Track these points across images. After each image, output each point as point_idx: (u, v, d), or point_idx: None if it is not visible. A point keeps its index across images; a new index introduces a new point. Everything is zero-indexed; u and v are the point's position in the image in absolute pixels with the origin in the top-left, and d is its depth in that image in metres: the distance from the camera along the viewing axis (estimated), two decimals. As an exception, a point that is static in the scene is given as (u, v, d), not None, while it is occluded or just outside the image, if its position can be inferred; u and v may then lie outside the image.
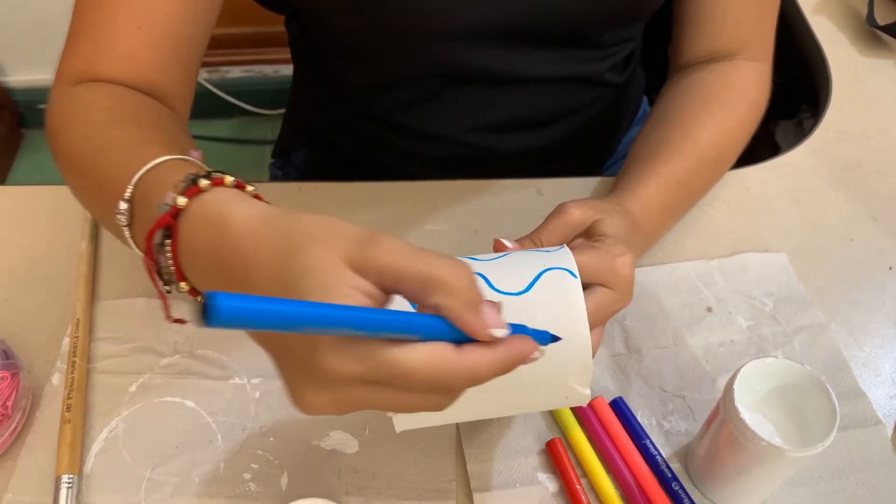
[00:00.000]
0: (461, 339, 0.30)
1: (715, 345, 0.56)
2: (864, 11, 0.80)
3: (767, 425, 0.44)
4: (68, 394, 0.51)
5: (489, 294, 0.38)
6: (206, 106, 1.82)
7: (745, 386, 0.43)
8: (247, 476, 0.49)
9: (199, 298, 0.38)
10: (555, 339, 0.36)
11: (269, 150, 1.98)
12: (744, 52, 0.61)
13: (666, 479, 0.48)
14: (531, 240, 0.45)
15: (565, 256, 0.40)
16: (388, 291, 0.30)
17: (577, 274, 0.39)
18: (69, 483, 0.47)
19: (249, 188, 0.37)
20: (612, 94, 0.70)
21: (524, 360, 0.31)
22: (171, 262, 0.36)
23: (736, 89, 0.59)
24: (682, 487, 0.48)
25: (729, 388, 0.43)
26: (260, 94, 1.79)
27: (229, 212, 0.33)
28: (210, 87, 1.80)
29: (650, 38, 0.73)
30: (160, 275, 0.38)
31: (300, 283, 0.29)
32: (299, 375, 0.30)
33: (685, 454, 0.50)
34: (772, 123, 0.82)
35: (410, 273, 0.29)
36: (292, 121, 0.81)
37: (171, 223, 0.35)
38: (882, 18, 0.79)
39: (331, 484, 0.48)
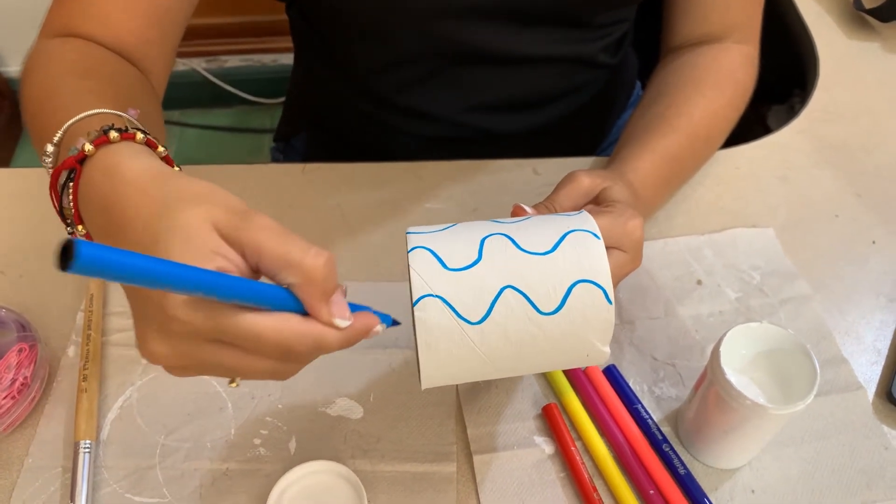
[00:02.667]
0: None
1: (704, 315, 0.58)
2: (851, -5, 0.82)
3: (752, 387, 0.46)
4: (84, 364, 0.53)
5: (515, 254, 0.40)
6: (204, 95, 1.84)
7: (732, 350, 0.46)
8: (257, 441, 0.51)
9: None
10: (395, 323, 0.39)
11: (268, 138, 2.00)
12: (732, 36, 0.63)
13: (657, 441, 0.51)
14: (545, 206, 0.47)
15: (587, 220, 0.42)
16: (249, 266, 0.32)
17: (600, 235, 0.40)
18: (87, 448, 0.50)
19: (160, 149, 0.38)
20: (605, 76, 0.71)
21: (366, 334, 0.34)
22: (71, 204, 0.37)
23: (725, 71, 0.61)
24: (672, 449, 0.50)
25: (716, 351, 0.45)
26: (258, 82, 1.80)
27: (126, 166, 0.35)
28: (209, 76, 1.81)
29: (643, 23, 0.75)
30: (63, 216, 0.39)
31: (166, 238, 0.31)
32: (150, 322, 0.32)
33: (675, 418, 0.53)
34: (764, 108, 0.85)
35: (273, 253, 0.31)
36: (293, 105, 0.83)
37: (74, 167, 0.37)
38: (868, 2, 0.81)
39: (337, 448, 0.51)
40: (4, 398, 0.50)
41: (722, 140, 0.63)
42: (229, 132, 1.86)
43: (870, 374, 0.55)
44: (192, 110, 1.87)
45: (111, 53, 0.50)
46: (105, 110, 0.40)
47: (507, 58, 0.64)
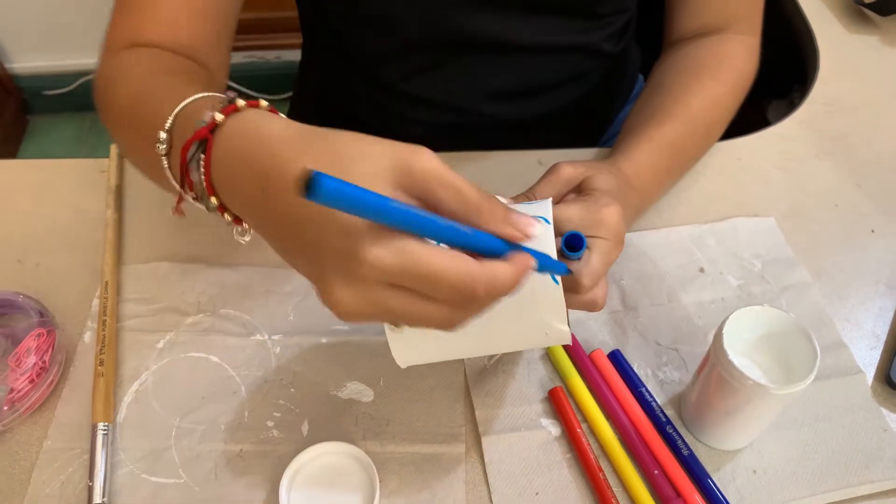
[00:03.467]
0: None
1: (707, 302, 0.59)
2: (851, -10, 0.84)
3: (754, 368, 0.48)
4: (100, 349, 0.54)
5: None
6: (209, 91, 1.85)
7: (734, 332, 0.47)
8: (270, 423, 0.52)
9: (225, 216, 0.39)
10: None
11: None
12: (733, 27, 0.64)
13: (661, 424, 0.52)
14: (525, 196, 0.49)
15: (543, 206, 0.43)
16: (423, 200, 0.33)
17: (549, 220, 0.42)
18: (105, 430, 0.51)
19: (281, 115, 0.39)
20: (608, 65, 0.73)
21: (527, 270, 0.34)
22: (203, 175, 0.37)
23: (726, 61, 0.62)
24: (675, 430, 0.52)
25: (719, 334, 0.46)
26: (262, 79, 1.82)
27: (267, 125, 0.35)
28: (213, 72, 1.82)
29: (647, 17, 0.76)
30: (193, 191, 0.39)
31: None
32: (334, 272, 0.32)
33: (678, 401, 0.54)
34: (764, 102, 0.86)
35: (453, 216, 0.32)
36: (302, 96, 0.84)
37: (206, 136, 0.37)
38: (868, -4, 0.83)
39: (349, 430, 0.52)
40: (24, 382, 0.51)
41: (723, 129, 0.64)
42: (233, 128, 1.87)
43: (869, 358, 0.56)
44: (196, 106, 1.88)
45: (181, 57, 0.52)
46: (211, 93, 0.41)
47: (511, 46, 0.65)
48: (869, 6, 0.82)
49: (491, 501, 0.49)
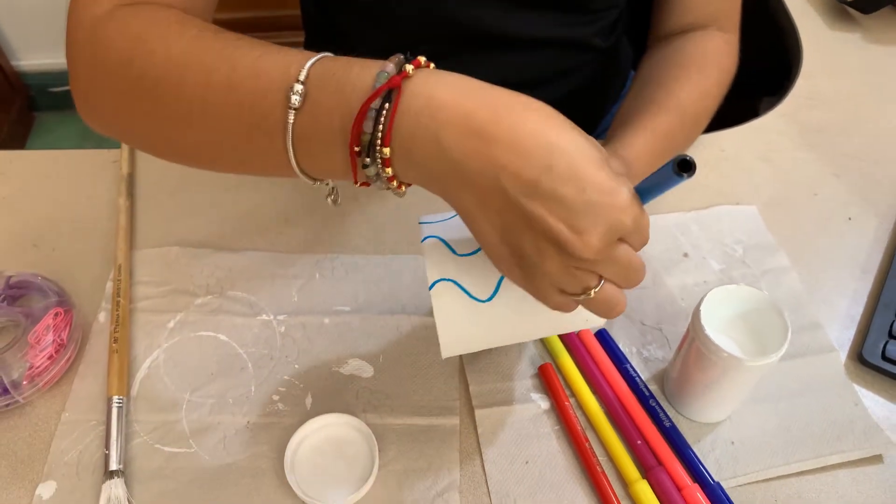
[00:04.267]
0: None
1: (690, 285, 0.62)
2: (834, -12, 0.87)
3: (730, 343, 0.51)
4: (115, 328, 0.58)
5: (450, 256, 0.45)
6: (211, 88, 1.88)
7: (711, 310, 0.50)
8: (275, 397, 0.55)
9: (388, 170, 0.37)
10: None
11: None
12: (714, 24, 0.67)
13: (644, 398, 0.55)
14: None
15: None
16: None
17: None
18: (119, 403, 0.54)
19: (431, 65, 0.39)
20: (600, 60, 0.75)
21: None
22: (381, 127, 0.36)
23: (710, 55, 0.65)
24: (658, 404, 0.55)
25: (697, 310, 0.49)
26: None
27: (463, 80, 0.37)
28: (216, 70, 1.85)
29: (638, 16, 0.79)
30: (359, 145, 0.37)
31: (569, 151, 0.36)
32: (594, 224, 0.36)
33: (661, 378, 0.57)
34: (756, 100, 0.89)
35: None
36: None
37: (398, 85, 0.36)
38: (851, -5, 0.86)
39: (350, 403, 0.55)
40: (42, 358, 0.55)
41: (709, 119, 0.66)
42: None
43: (843, 338, 0.59)
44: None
45: (176, 11, 0.44)
46: (326, 54, 0.39)
47: (505, 39, 0.68)
48: (851, 4, 0.85)
49: (483, 470, 0.52)
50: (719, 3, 0.66)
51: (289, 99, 0.37)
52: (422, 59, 0.38)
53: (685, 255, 0.64)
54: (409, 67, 0.36)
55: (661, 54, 0.67)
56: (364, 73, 0.37)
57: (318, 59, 0.38)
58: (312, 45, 0.83)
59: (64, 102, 1.89)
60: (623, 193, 0.36)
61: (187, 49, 0.41)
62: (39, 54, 1.82)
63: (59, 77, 1.84)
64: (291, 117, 0.37)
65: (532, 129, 0.36)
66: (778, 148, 0.73)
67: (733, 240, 0.65)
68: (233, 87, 0.39)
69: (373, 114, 0.36)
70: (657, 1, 0.69)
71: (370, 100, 0.36)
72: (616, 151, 0.57)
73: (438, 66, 0.71)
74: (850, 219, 0.67)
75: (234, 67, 0.39)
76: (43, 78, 1.85)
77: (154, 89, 0.41)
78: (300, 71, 0.37)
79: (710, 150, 0.72)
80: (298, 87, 0.37)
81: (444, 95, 0.36)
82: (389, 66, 0.36)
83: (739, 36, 0.68)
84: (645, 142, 0.59)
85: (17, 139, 1.83)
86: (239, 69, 0.39)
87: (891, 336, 0.58)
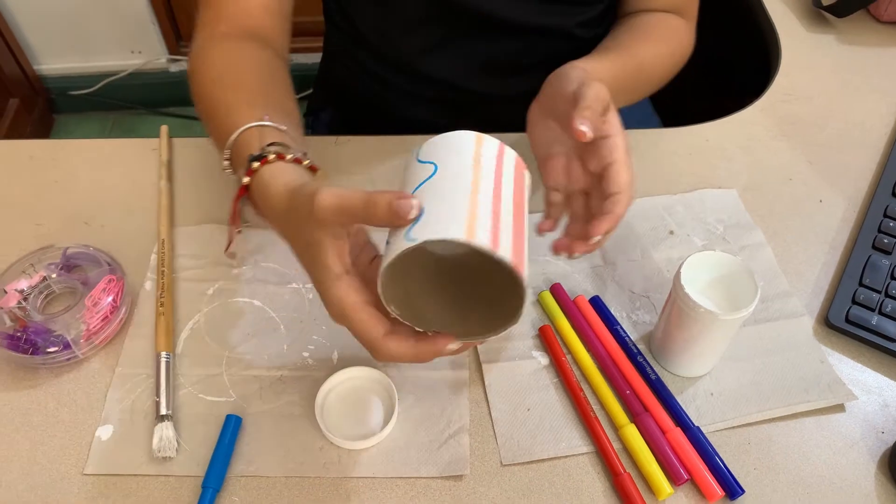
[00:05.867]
0: None
1: (675, 259, 0.69)
2: (811, -6, 0.94)
3: (707, 301, 0.57)
4: (160, 294, 0.64)
5: None
6: (224, 92, 1.95)
7: (691, 273, 0.56)
8: (305, 354, 0.62)
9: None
10: None
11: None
12: (674, 11, 0.75)
13: (632, 354, 0.62)
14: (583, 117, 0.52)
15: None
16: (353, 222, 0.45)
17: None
18: (167, 358, 0.61)
19: (305, 162, 0.53)
20: (584, 50, 0.80)
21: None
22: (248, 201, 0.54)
23: (671, 29, 0.73)
24: (645, 360, 0.61)
25: (678, 273, 0.56)
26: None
27: (272, 189, 0.50)
28: (229, 74, 1.92)
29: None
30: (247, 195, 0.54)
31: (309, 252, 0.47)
32: (318, 284, 0.48)
33: (648, 338, 0.64)
34: (739, 95, 0.96)
35: (339, 210, 0.43)
36: (322, 82, 0.95)
37: (245, 194, 0.53)
38: (826, 0, 0.93)
39: (371, 358, 0.61)
40: (97, 320, 0.61)
41: (659, 84, 0.73)
42: (247, 127, 1.98)
43: (812, 304, 0.66)
44: (213, 106, 1.98)
45: (251, 49, 0.65)
46: (249, 125, 0.55)
47: (491, 23, 0.74)
48: (827, 9, 0.92)
49: (490, 416, 0.59)
50: None
51: (223, 164, 0.58)
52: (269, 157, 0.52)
53: (671, 232, 0.71)
54: (245, 180, 0.52)
55: (625, 24, 0.74)
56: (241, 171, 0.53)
57: (235, 138, 0.55)
58: (330, 33, 0.90)
59: (83, 105, 1.96)
60: (329, 296, 0.47)
61: (219, 100, 0.60)
62: (60, 58, 1.89)
63: (79, 81, 1.91)
64: (228, 171, 0.58)
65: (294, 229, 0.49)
66: (757, 138, 0.80)
67: (715, 219, 0.72)
68: (214, 126, 0.60)
69: (243, 202, 0.55)
70: None
71: (235, 203, 0.55)
72: (583, 65, 0.60)
73: (436, 48, 0.82)
74: (820, 201, 0.74)
75: (218, 117, 0.59)
76: (63, 81, 1.92)
77: (195, 96, 0.63)
78: (224, 151, 0.56)
79: (696, 139, 0.79)
80: (226, 163, 0.57)
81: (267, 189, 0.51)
82: (240, 172, 0.53)
83: (725, 38, 0.76)
84: (608, 72, 0.62)
85: (39, 138, 1.90)
86: (218, 128, 0.59)
87: (854, 302, 0.65)
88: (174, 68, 1.92)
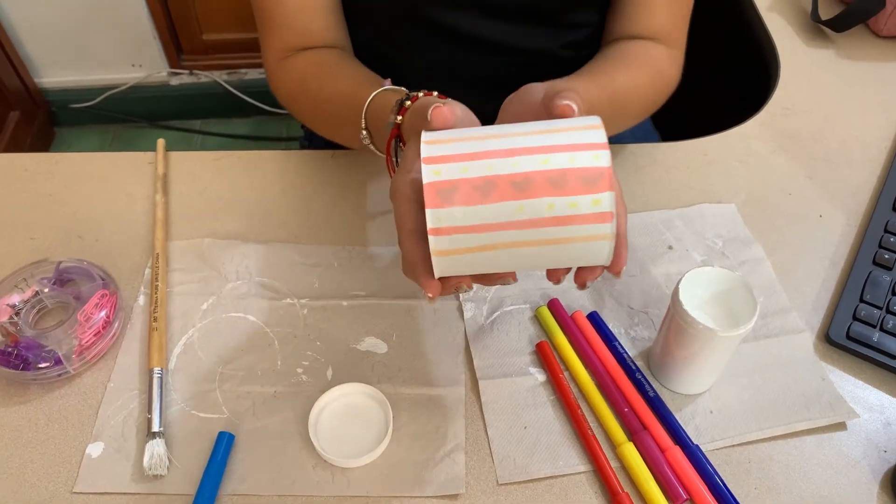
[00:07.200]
0: None
1: (674, 274, 0.68)
2: (810, 8, 0.94)
3: (706, 318, 0.57)
4: (154, 308, 0.64)
5: None
6: (225, 105, 1.96)
7: (689, 289, 0.56)
8: (299, 370, 0.61)
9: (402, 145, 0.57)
10: None
11: (284, 146, 2.12)
12: (659, 39, 0.71)
13: (631, 371, 0.61)
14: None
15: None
16: None
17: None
18: (159, 374, 0.60)
19: (434, 93, 0.54)
20: (564, 70, 0.79)
21: None
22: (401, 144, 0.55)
23: (652, 59, 0.70)
24: (643, 377, 0.61)
25: (676, 289, 0.55)
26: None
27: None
28: (229, 87, 1.93)
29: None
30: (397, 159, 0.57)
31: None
32: None
33: (647, 355, 0.63)
34: (738, 109, 0.95)
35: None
36: None
37: (398, 133, 0.54)
38: (825, 15, 0.93)
39: (366, 374, 0.61)
40: (90, 335, 0.61)
41: (638, 117, 0.70)
42: (248, 140, 1.98)
43: (813, 321, 0.66)
44: (213, 120, 1.99)
45: (328, 53, 0.69)
46: (374, 92, 0.58)
47: (479, 44, 0.74)
48: (825, 23, 0.92)
49: (486, 434, 0.58)
50: (662, 20, 0.71)
51: (361, 134, 0.61)
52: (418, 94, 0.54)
53: (670, 247, 0.70)
54: (408, 103, 0.53)
55: (604, 52, 0.72)
56: (387, 117, 0.55)
57: (368, 106, 0.59)
58: None
59: (84, 118, 1.97)
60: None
61: (320, 88, 0.67)
62: (61, 72, 1.90)
63: (80, 94, 1.92)
64: (371, 147, 0.61)
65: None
66: (756, 152, 0.79)
67: (714, 234, 0.72)
68: (340, 117, 0.64)
69: (394, 148, 0.56)
70: (609, 12, 0.75)
71: (388, 146, 0.56)
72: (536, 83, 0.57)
73: (422, 69, 0.83)
74: (820, 216, 0.74)
75: (337, 109, 0.64)
76: (64, 94, 1.93)
77: (303, 110, 0.71)
78: (361, 120, 0.60)
79: (695, 154, 0.79)
80: (364, 134, 0.60)
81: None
82: (391, 118, 0.54)
83: (724, 52, 0.74)
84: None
85: (39, 149, 1.91)
86: (339, 111, 0.64)
87: (855, 318, 0.64)
88: (175, 81, 1.93)
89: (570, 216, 0.41)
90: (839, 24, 0.91)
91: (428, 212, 0.41)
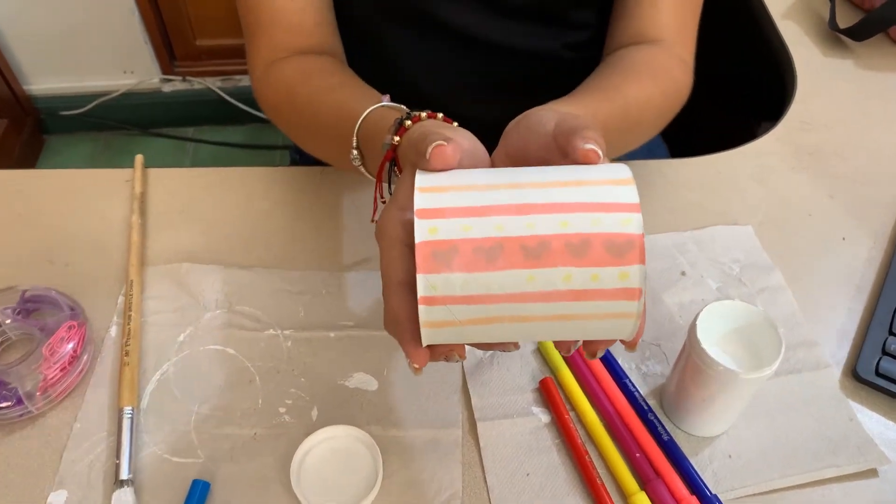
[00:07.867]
0: None
1: (687, 302, 0.64)
2: (827, 16, 0.89)
3: (726, 357, 0.52)
4: (126, 341, 0.59)
5: None
6: (219, 113, 1.91)
7: (707, 325, 0.51)
8: (282, 410, 0.57)
9: (396, 168, 0.50)
10: None
11: (278, 153, 2.07)
12: (665, 40, 0.66)
13: (643, 411, 0.56)
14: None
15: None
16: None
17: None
18: (130, 414, 0.55)
19: (439, 115, 0.48)
20: (575, 72, 0.70)
21: None
22: (396, 171, 0.48)
23: (662, 66, 0.65)
24: (656, 418, 0.56)
25: (693, 325, 0.51)
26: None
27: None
28: (223, 94, 1.89)
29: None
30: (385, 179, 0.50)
31: None
32: None
33: (660, 393, 0.58)
34: (753, 124, 0.91)
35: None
36: None
37: (394, 156, 0.47)
38: (843, 23, 0.88)
39: (355, 415, 0.56)
40: (56, 370, 0.56)
41: (653, 130, 0.65)
42: (242, 148, 1.94)
43: (838, 355, 0.61)
44: (207, 127, 1.95)
45: (317, 60, 0.64)
46: (369, 109, 0.52)
47: (486, 44, 0.69)
48: (844, 32, 0.87)
49: (485, 482, 0.53)
50: (668, 17, 0.66)
51: (351, 154, 0.54)
52: (422, 114, 0.48)
53: (683, 273, 0.66)
54: (396, 138, 0.47)
55: (612, 59, 0.66)
56: (382, 137, 0.49)
57: (362, 122, 0.52)
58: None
59: (73, 126, 1.92)
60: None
61: (310, 99, 0.60)
62: (50, 79, 1.85)
63: (69, 101, 1.87)
64: (362, 169, 0.55)
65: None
66: (773, 170, 0.75)
67: (730, 259, 0.67)
68: (329, 134, 0.58)
69: (385, 174, 0.50)
70: (613, 16, 0.70)
71: (380, 170, 0.49)
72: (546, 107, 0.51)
73: (419, 68, 0.76)
74: (843, 239, 0.69)
75: (326, 124, 0.58)
76: (53, 101, 1.88)
77: (289, 122, 0.65)
78: (352, 140, 0.53)
79: (707, 171, 0.74)
80: (354, 153, 0.53)
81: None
82: (388, 138, 0.47)
83: (737, 62, 0.70)
84: (580, 111, 0.54)
85: (27, 161, 1.86)
86: (328, 126, 0.57)
87: (884, 353, 0.59)
88: (167, 88, 1.88)
89: (590, 290, 0.35)
90: (858, 33, 0.86)
91: (420, 277, 0.34)
